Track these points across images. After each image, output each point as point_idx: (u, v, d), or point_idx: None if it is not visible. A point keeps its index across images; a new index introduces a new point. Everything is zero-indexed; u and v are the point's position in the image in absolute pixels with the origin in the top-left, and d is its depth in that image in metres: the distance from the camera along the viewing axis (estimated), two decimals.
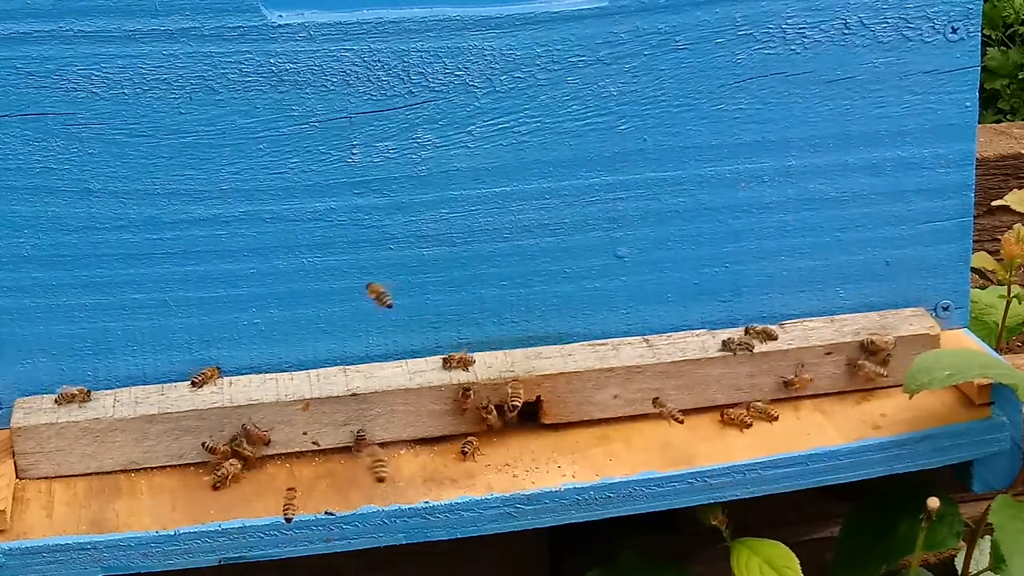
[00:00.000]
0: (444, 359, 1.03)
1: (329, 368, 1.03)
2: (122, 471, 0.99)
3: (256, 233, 1.00)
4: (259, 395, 1.00)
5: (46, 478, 0.98)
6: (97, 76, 0.94)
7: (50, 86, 0.94)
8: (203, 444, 0.98)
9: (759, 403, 1.05)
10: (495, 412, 1.01)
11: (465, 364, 1.02)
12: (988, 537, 1.13)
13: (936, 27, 1.06)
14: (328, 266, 1.02)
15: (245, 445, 0.98)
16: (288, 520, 0.93)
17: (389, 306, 1.01)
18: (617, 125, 1.03)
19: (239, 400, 0.99)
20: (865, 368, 1.07)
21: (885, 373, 1.07)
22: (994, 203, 1.49)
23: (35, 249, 0.97)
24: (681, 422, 1.03)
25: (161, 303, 1.00)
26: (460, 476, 0.99)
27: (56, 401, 0.98)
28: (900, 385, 1.02)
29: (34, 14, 0.92)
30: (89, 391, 0.99)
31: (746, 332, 1.07)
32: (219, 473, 0.97)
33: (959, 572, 1.17)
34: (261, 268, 1.01)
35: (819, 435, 1.04)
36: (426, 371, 1.03)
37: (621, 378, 1.04)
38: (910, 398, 1.00)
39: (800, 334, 1.08)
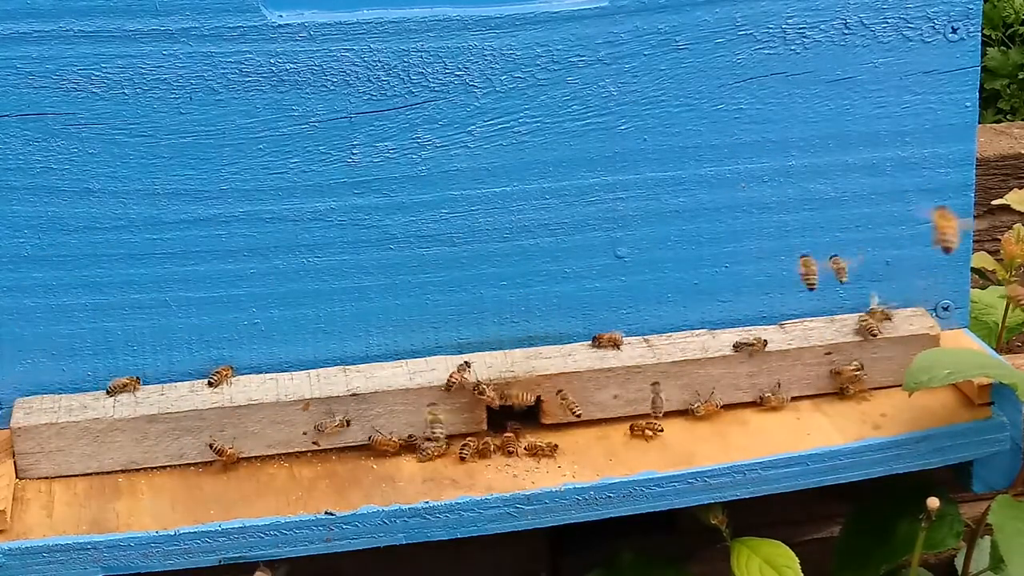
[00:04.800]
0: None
1: (329, 368, 1.03)
2: (122, 471, 0.99)
3: (256, 233, 1.00)
4: (259, 395, 1.00)
5: (46, 478, 0.98)
6: (97, 76, 0.94)
7: (50, 86, 0.94)
8: (210, 445, 0.98)
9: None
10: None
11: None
12: (988, 537, 1.13)
13: (936, 27, 1.06)
14: (328, 266, 1.02)
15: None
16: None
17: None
18: (617, 125, 1.03)
19: (239, 400, 0.99)
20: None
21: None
22: (994, 203, 1.49)
23: (35, 249, 0.97)
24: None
25: (161, 303, 1.00)
26: (460, 476, 0.99)
27: (108, 392, 0.99)
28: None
29: (34, 14, 0.92)
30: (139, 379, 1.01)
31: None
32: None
33: (959, 572, 1.17)
34: (261, 268, 1.01)
35: (819, 435, 1.04)
36: (426, 371, 1.03)
37: (621, 378, 1.04)
38: (909, 396, 1.00)
39: (800, 334, 1.08)
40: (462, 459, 1.00)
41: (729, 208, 1.07)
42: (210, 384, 1.00)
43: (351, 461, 1.01)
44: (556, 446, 1.01)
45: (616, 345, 1.05)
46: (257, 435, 1.00)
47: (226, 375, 1.01)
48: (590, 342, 1.05)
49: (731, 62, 1.03)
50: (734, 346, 1.06)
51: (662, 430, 1.03)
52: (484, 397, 1.00)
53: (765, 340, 1.06)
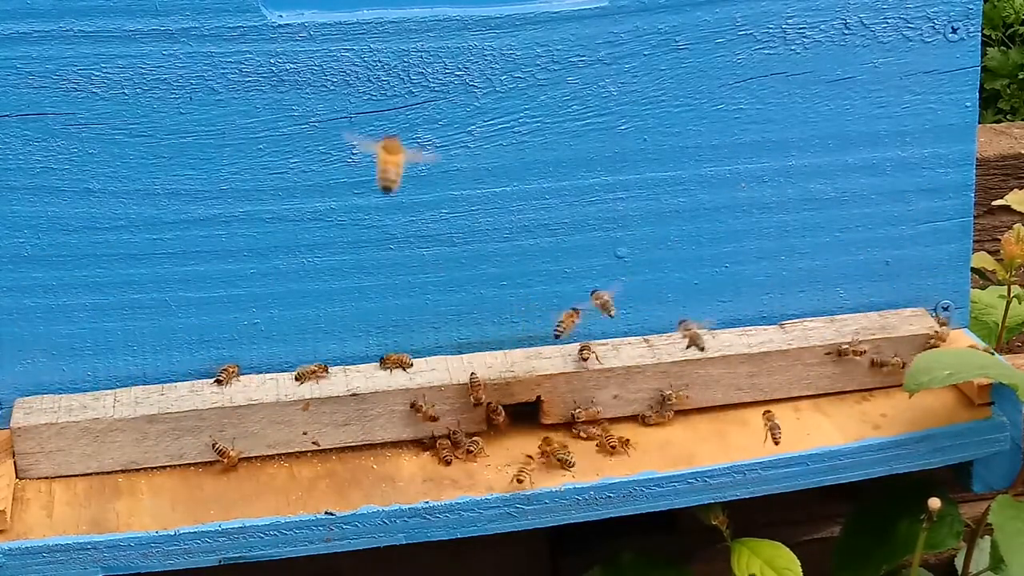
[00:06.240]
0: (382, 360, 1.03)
1: (329, 368, 1.03)
2: (122, 471, 0.99)
3: (256, 233, 1.00)
4: (259, 395, 1.00)
5: (46, 478, 0.98)
6: (97, 76, 0.94)
7: (50, 86, 0.94)
8: (213, 446, 0.98)
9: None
10: (503, 413, 1.02)
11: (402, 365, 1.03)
12: (988, 537, 1.13)
13: (936, 27, 1.06)
14: (328, 266, 1.02)
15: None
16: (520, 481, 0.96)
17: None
18: (617, 125, 1.03)
19: (239, 400, 0.99)
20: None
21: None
22: (994, 203, 1.49)
23: (35, 249, 0.97)
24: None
25: (161, 303, 1.00)
26: (460, 476, 0.99)
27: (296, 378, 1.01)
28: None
29: (34, 14, 0.92)
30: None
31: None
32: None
33: (959, 572, 1.17)
34: (261, 268, 1.01)
35: (819, 435, 1.04)
36: (426, 371, 1.03)
37: (621, 378, 1.04)
38: (910, 397, 1.00)
39: (800, 334, 1.08)
40: (447, 462, 1.00)
41: (729, 208, 1.07)
42: (218, 382, 1.00)
43: (351, 461, 1.01)
44: (628, 440, 1.01)
45: (403, 366, 1.02)
46: (257, 435, 1.00)
47: (233, 373, 1.01)
48: (378, 363, 1.03)
49: (731, 62, 1.03)
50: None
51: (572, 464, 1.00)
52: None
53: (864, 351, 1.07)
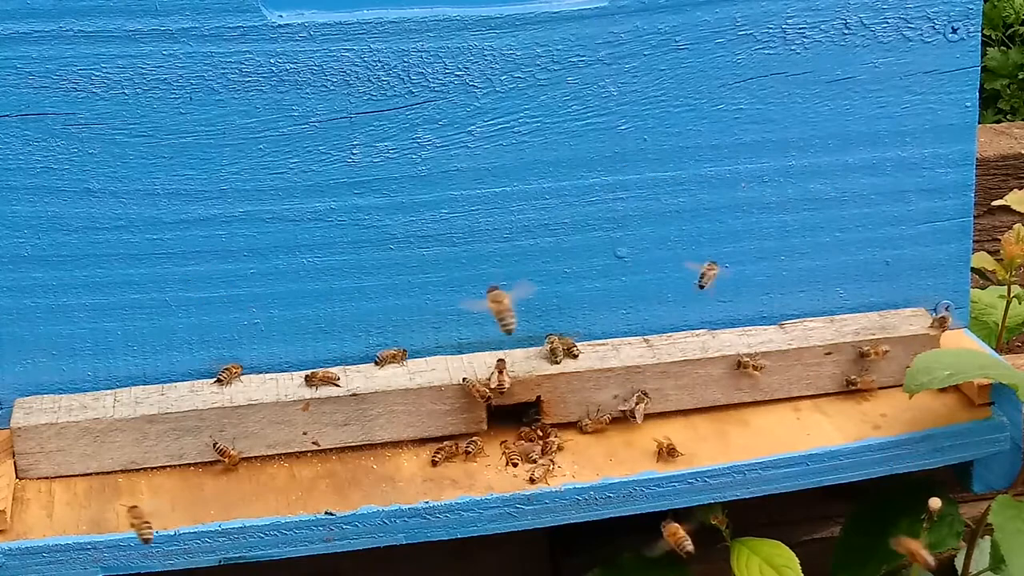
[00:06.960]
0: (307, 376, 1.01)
1: (329, 368, 1.03)
2: (122, 471, 0.99)
3: (256, 233, 1.00)
4: (259, 395, 1.00)
5: (46, 478, 0.98)
6: (97, 76, 0.94)
7: (50, 86, 0.94)
8: (214, 446, 0.98)
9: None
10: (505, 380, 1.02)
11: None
12: (988, 537, 1.13)
13: (936, 27, 1.06)
14: (328, 266, 1.02)
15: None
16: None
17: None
18: (617, 125, 1.03)
19: (239, 400, 0.99)
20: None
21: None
22: (994, 203, 1.49)
23: (35, 249, 0.97)
24: None
25: (161, 303, 1.00)
26: (460, 476, 0.99)
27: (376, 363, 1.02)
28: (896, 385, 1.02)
29: (34, 14, 0.92)
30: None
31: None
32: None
33: (959, 572, 1.17)
34: (261, 268, 1.01)
35: (819, 435, 1.04)
36: (426, 371, 1.03)
37: (621, 378, 1.04)
38: (910, 398, 1.00)
39: (800, 334, 1.08)
40: (434, 463, 1.00)
41: (729, 208, 1.07)
42: (219, 381, 1.00)
43: (351, 461, 1.01)
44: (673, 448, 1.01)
45: (332, 382, 1.00)
46: (257, 435, 1.00)
47: (236, 373, 1.01)
48: (304, 380, 1.01)
49: (731, 62, 1.03)
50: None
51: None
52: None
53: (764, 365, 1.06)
